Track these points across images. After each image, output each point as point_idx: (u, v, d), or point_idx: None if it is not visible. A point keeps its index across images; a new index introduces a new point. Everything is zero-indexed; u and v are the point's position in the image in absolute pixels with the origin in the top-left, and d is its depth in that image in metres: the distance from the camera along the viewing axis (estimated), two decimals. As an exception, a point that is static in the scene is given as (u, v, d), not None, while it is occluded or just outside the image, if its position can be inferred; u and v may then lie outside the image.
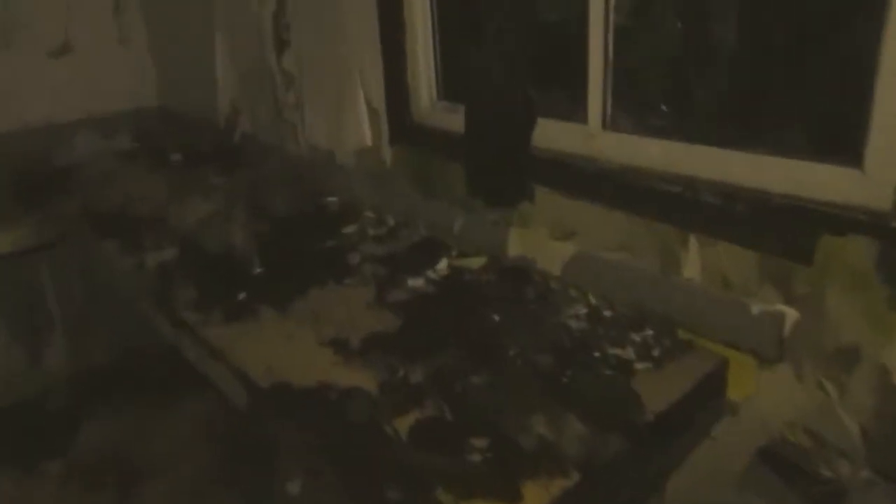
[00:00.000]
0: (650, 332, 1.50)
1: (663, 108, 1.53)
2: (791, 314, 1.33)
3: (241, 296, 1.75)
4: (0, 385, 3.09)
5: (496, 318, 1.60)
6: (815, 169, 1.27)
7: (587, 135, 1.61)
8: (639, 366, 1.40)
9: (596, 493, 1.13)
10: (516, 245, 1.80)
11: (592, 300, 1.63)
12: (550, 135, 1.66)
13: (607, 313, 1.58)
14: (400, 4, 1.91)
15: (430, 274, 1.83)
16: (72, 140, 3.16)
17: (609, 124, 1.58)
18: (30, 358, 3.19)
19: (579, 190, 1.62)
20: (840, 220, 1.23)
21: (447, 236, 1.98)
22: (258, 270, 1.89)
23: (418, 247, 1.99)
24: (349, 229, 2.13)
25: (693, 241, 1.44)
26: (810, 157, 1.27)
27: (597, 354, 1.44)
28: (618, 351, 1.45)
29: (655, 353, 1.43)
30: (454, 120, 1.94)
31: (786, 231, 1.29)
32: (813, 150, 1.28)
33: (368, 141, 2.17)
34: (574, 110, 1.63)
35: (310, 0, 2.22)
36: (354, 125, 2.20)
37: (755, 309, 1.36)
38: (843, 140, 1.23)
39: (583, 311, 1.60)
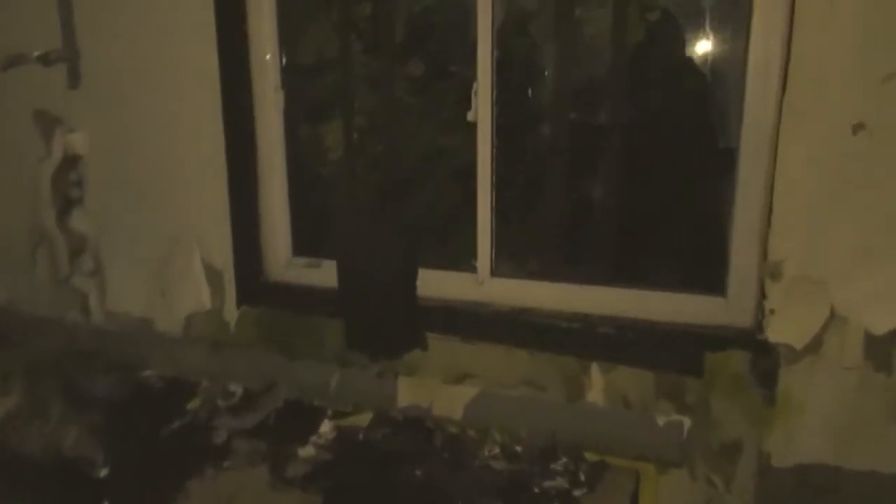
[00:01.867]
0: (564, 460, 1.60)
1: (551, 253, 1.73)
2: (686, 421, 1.56)
3: (105, 506, 1.42)
4: None
5: (418, 473, 1.55)
6: (691, 299, 1.56)
7: (477, 281, 1.73)
8: (576, 493, 1.49)
9: None
10: (407, 395, 1.78)
11: (498, 438, 1.68)
12: (439, 283, 1.74)
13: (518, 449, 1.65)
14: (253, 158, 1.87)
15: (317, 440, 1.71)
16: None
17: (497, 270, 1.72)
18: None
19: (474, 334, 1.70)
20: (717, 338, 1.51)
21: (316, 396, 1.87)
22: (105, 472, 1.55)
23: (286, 413, 1.84)
24: (192, 404, 1.87)
25: (595, 369, 1.62)
26: (687, 291, 1.57)
27: (536, 490, 1.49)
28: (551, 483, 1.52)
29: (582, 478, 1.54)
30: (315, 275, 1.91)
31: (675, 351, 1.54)
32: (688, 284, 1.59)
33: (207, 304, 1.98)
34: (462, 259, 1.74)
35: (121, 156, 2.02)
36: (187, 288, 2.00)
37: (660, 420, 1.57)
38: (711, 275, 1.55)
39: (496, 450, 1.64)
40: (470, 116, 1.64)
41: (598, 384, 1.63)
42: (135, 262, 2.07)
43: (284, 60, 1.86)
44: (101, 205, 2.10)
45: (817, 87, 1.34)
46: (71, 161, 2.11)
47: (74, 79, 2.01)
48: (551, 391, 1.67)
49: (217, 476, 1.55)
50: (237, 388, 1.95)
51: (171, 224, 1.99)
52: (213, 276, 1.97)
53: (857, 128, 1.33)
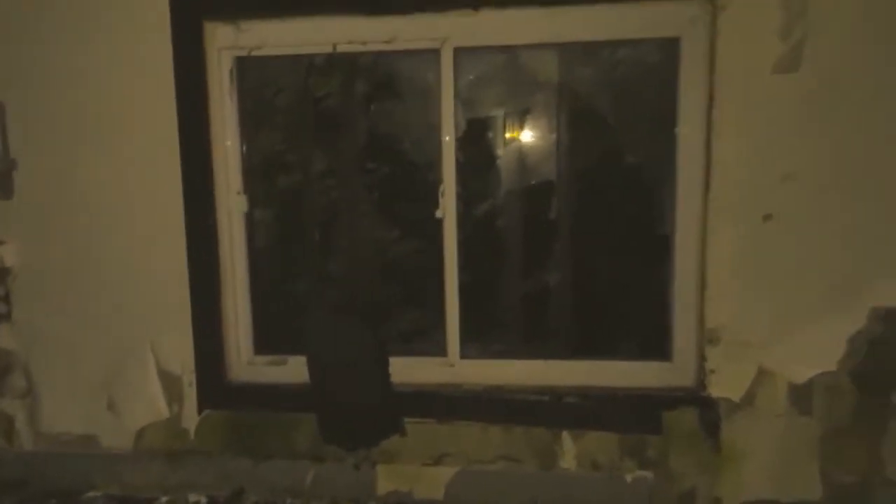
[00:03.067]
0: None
1: (515, 333, 1.89)
2: (649, 476, 1.77)
3: None
4: None
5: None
6: (642, 365, 1.79)
7: (447, 364, 1.85)
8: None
9: None
10: (386, 482, 1.84)
11: (481, 513, 1.78)
12: (411, 369, 1.84)
13: (502, 521, 1.76)
14: (215, 260, 1.88)
15: (303, 541, 1.71)
16: None
17: (466, 353, 1.85)
18: None
19: (448, 414, 1.81)
20: (667, 398, 1.75)
21: (290, 496, 1.87)
22: None
23: (261, 517, 1.82)
24: (157, 522, 1.79)
25: (565, 437, 1.78)
26: (638, 358, 1.80)
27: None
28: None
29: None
30: (280, 372, 1.93)
31: (634, 413, 1.75)
32: (638, 353, 1.81)
33: (164, 413, 1.92)
34: (431, 345, 1.86)
35: (58, 264, 1.94)
36: (139, 398, 1.93)
37: (628, 478, 1.76)
38: (657, 344, 1.79)
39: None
40: (438, 213, 1.80)
41: (569, 451, 1.79)
42: (74, 378, 1.96)
43: (246, 162, 1.90)
44: (32, 319, 1.97)
45: (733, 185, 1.65)
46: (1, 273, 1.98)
47: (6, 190, 1.92)
48: (527, 462, 1.81)
49: None
50: (200, 499, 1.89)
51: (120, 333, 1.92)
52: (171, 382, 1.92)
53: (767, 217, 1.65)
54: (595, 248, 1.83)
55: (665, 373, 1.78)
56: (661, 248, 1.77)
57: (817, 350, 1.67)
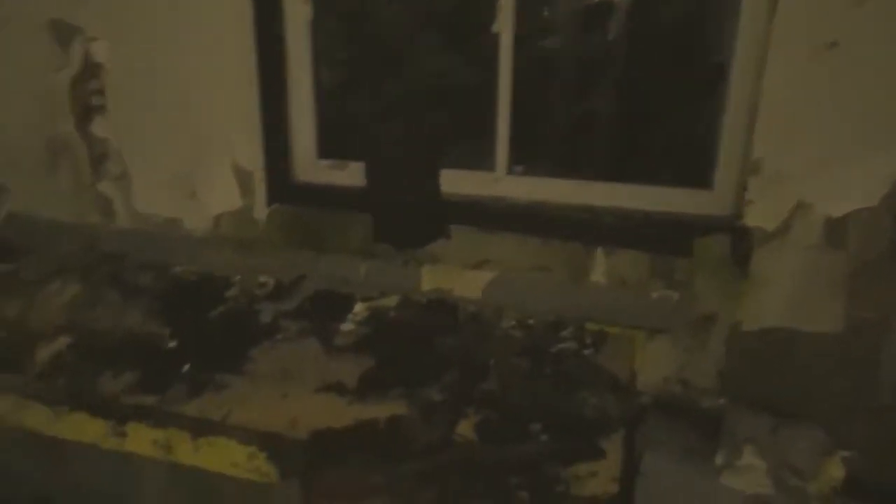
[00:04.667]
0: (571, 329, 1.88)
1: (561, 153, 1.96)
2: (674, 295, 1.86)
3: (185, 369, 1.61)
4: None
5: (449, 340, 1.80)
6: (683, 192, 1.84)
7: (494, 179, 1.95)
8: (586, 352, 1.77)
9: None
10: (430, 281, 2.02)
11: (513, 314, 1.94)
12: (460, 182, 1.96)
13: (531, 321, 1.92)
14: (283, 64, 2.00)
15: (354, 318, 1.93)
16: None
17: (513, 169, 1.95)
18: None
19: (491, 225, 1.94)
20: (703, 225, 1.80)
21: (344, 286, 2.08)
22: (172, 345, 1.73)
23: (319, 299, 2.04)
24: (231, 293, 2.05)
25: (599, 253, 1.88)
26: (679, 185, 1.84)
27: (552, 351, 1.76)
28: (562, 346, 1.80)
29: (588, 342, 1.82)
30: (341, 175, 2.09)
31: (667, 237, 1.82)
32: (680, 180, 1.85)
33: (238, 203, 2.14)
34: (480, 160, 1.96)
35: (145, 61, 2.11)
36: (217, 189, 2.14)
37: (653, 295, 1.86)
38: (700, 172, 1.82)
39: (512, 322, 1.90)
40: (494, 28, 1.83)
41: (600, 267, 1.90)
42: (162, 166, 2.19)
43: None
44: (124, 111, 2.19)
45: (802, 7, 1.59)
46: (92, 69, 2.17)
47: (98, -15, 2.07)
48: (559, 273, 1.93)
49: (274, 346, 1.76)
50: (269, 280, 2.13)
51: (200, 127, 2.11)
52: (244, 176, 2.12)
53: (832, 45, 1.60)
54: (648, 72, 1.83)
55: (703, 200, 1.82)
56: (715, 76, 1.75)
57: (861, 186, 1.66)
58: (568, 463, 1.26)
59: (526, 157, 1.96)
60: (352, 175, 2.05)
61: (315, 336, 1.81)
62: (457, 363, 1.67)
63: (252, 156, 2.09)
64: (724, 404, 1.94)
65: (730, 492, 1.52)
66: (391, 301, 2.01)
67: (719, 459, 1.60)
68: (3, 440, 2.35)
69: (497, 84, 1.87)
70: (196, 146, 2.14)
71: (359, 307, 1.97)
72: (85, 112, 2.23)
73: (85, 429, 1.55)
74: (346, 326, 1.88)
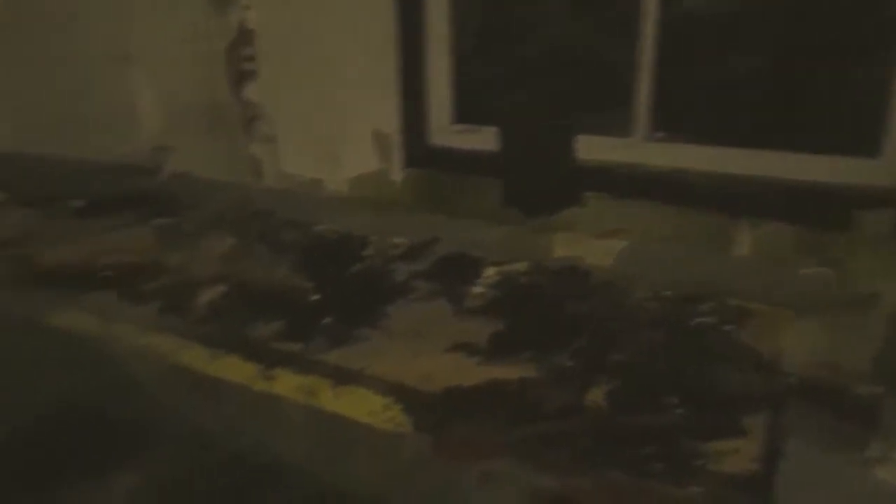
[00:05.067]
0: (710, 304, 1.80)
1: (706, 118, 1.86)
2: (827, 273, 1.73)
3: (327, 321, 1.70)
4: None
5: (580, 308, 1.78)
6: (843, 161, 1.69)
7: (633, 145, 1.89)
8: (727, 328, 1.69)
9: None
10: (561, 248, 2.00)
11: (647, 285, 1.88)
12: (597, 147, 1.91)
13: (666, 293, 1.85)
14: (421, 31, 2.03)
15: (484, 281, 1.95)
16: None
17: (653, 135, 1.87)
18: None
19: (628, 193, 1.88)
20: (866, 197, 1.65)
21: (474, 249, 2.10)
22: (315, 298, 1.83)
23: (449, 261, 2.08)
24: (367, 252, 2.13)
25: (744, 224, 1.78)
26: (839, 153, 1.69)
27: (690, 324, 1.70)
28: (701, 320, 1.72)
29: (730, 317, 1.73)
30: (475, 140, 2.10)
31: (822, 209, 1.69)
32: (840, 147, 1.71)
33: (374, 166, 2.21)
34: (618, 125, 1.90)
35: (293, 29, 2.21)
36: (356, 152, 2.22)
37: (802, 272, 1.74)
38: (865, 139, 1.66)
39: (646, 293, 1.85)
40: (640, -14, 1.76)
41: (745, 239, 1.80)
42: (307, 129, 2.31)
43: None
44: (274, 77, 2.31)
45: None
46: (245, 37, 2.31)
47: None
48: (698, 245, 1.85)
49: (407, 305, 1.82)
50: (403, 242, 2.20)
51: (342, 93, 2.19)
52: (382, 140, 2.19)
53: None
54: (808, 28, 1.68)
55: (867, 170, 1.67)
56: (888, 34, 1.58)
57: None
58: (706, 438, 1.22)
59: (667, 123, 1.88)
60: (485, 140, 2.06)
61: (446, 297, 1.85)
62: (587, 331, 1.65)
63: (390, 120, 2.16)
64: (879, 392, 1.79)
65: (885, 486, 1.41)
66: (521, 266, 2.01)
67: (874, 451, 1.48)
68: (164, 376, 2.61)
69: (639, 45, 1.80)
70: (338, 111, 2.23)
71: (489, 271, 1.99)
72: (239, 77, 2.38)
73: (238, 370, 1.68)
74: (476, 289, 1.90)
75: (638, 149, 1.89)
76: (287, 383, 1.61)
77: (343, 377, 1.52)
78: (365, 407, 1.50)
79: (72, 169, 2.83)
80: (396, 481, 2.37)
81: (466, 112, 2.13)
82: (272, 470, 2.65)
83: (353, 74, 2.17)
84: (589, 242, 1.96)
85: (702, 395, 1.35)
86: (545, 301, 1.81)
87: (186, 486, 2.68)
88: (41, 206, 2.59)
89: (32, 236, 2.28)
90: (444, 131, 2.14)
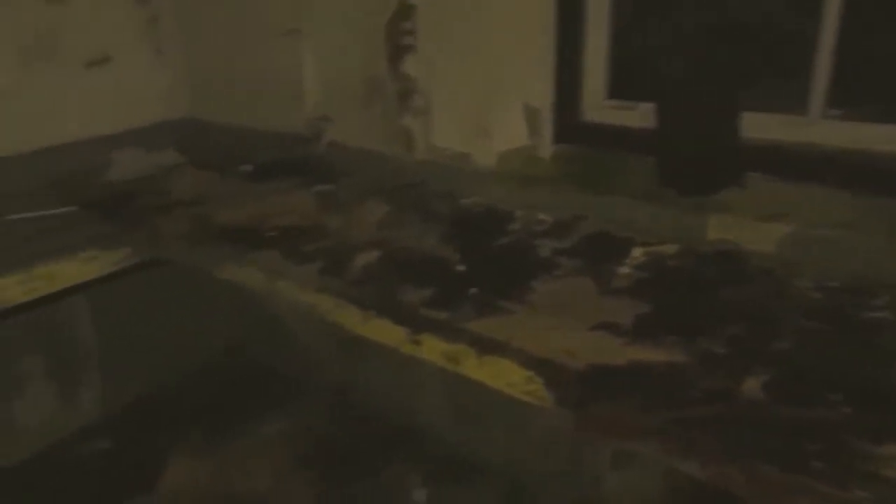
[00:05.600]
0: (886, 298, 1.65)
1: (886, 96, 1.69)
2: None
3: (472, 292, 1.75)
4: (32, 428, 2.83)
5: (735, 294, 1.70)
6: None
7: (806, 123, 1.76)
8: (902, 326, 1.55)
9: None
10: (717, 230, 1.91)
11: (812, 274, 1.76)
12: (765, 125, 1.80)
13: (833, 284, 1.72)
14: (580, 11, 1.99)
15: (631, 262, 1.90)
16: (114, 154, 2.94)
17: (829, 112, 1.73)
18: (65, 397, 2.94)
19: (796, 174, 1.75)
20: None
21: (623, 229, 2.05)
22: (461, 268, 1.88)
23: (595, 239, 2.05)
24: (512, 227, 2.15)
25: (932, 214, 1.61)
26: None
27: (859, 319, 1.57)
28: (874, 314, 1.59)
29: (908, 314, 1.58)
30: (628, 116, 2.04)
31: None
32: None
33: (524, 140, 2.21)
34: (791, 103, 1.77)
35: (453, 2, 2.24)
36: (505, 126, 2.24)
37: None
38: None
39: (810, 284, 1.73)
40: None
41: (933, 229, 1.63)
42: (459, 103, 2.35)
43: None
44: (431, 51, 2.37)
45: None
46: (406, 11, 2.38)
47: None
48: (873, 234, 1.70)
49: (551, 281, 1.82)
50: (548, 218, 2.19)
51: (497, 66, 2.20)
52: (532, 114, 2.18)
53: None
54: None
55: None
56: None
57: None
58: (878, 441, 1.13)
59: (847, 99, 1.72)
60: (640, 116, 2.00)
61: (590, 275, 1.83)
62: (743, 319, 1.58)
63: (542, 94, 2.14)
64: None
65: None
66: (671, 249, 1.94)
67: None
68: (319, 332, 2.79)
69: (820, 12, 1.66)
70: (490, 85, 2.25)
71: (637, 252, 1.95)
72: (397, 51, 2.46)
73: (387, 333, 1.77)
74: (623, 269, 1.87)
75: (812, 127, 1.76)
76: (432, 349, 1.67)
77: (487, 347, 1.55)
78: (507, 378, 1.54)
79: (241, 136, 3.07)
80: (530, 453, 2.41)
81: (621, 87, 2.07)
82: (409, 430, 2.78)
83: (507, 48, 2.17)
84: (748, 226, 1.86)
85: (874, 396, 1.25)
86: (696, 285, 1.74)
87: (328, 436, 2.88)
88: (214, 169, 2.83)
89: (207, 197, 2.50)
90: (598, 107, 2.09)
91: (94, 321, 2.94)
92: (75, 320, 2.90)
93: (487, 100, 2.27)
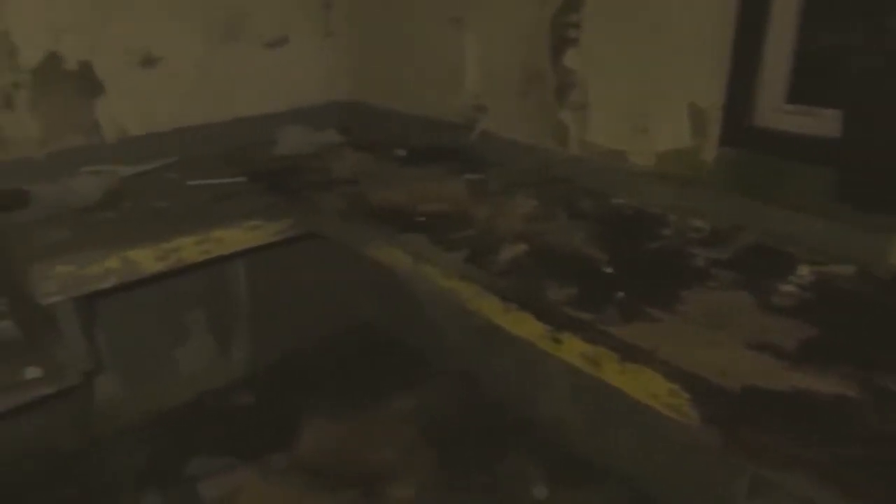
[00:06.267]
0: None
1: None
2: None
3: (619, 295, 1.70)
4: (191, 376, 3.09)
5: (919, 330, 1.53)
6: None
7: None
8: None
9: None
10: (901, 255, 1.73)
11: None
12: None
13: None
14: (766, 5, 1.86)
15: (796, 280, 1.77)
16: (280, 131, 3.13)
17: None
18: (219, 351, 3.19)
19: None
20: None
21: (788, 244, 1.91)
22: (608, 269, 1.83)
23: (756, 252, 1.92)
24: (666, 231, 2.06)
25: None
26: None
27: None
28: None
29: None
30: (808, 123, 1.89)
31: None
32: None
33: (685, 142, 2.11)
34: None
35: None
36: (666, 125, 2.14)
37: None
38: None
39: None
40: None
41: None
42: (619, 99, 2.28)
43: None
44: (595, 44, 2.31)
45: None
46: (573, 4, 2.34)
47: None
48: None
49: (705, 293, 1.73)
50: (704, 225, 2.08)
51: (664, 62, 2.11)
52: (697, 114, 2.08)
53: None
54: None
55: None
56: None
57: None
58: None
59: None
60: (822, 124, 1.84)
61: (749, 290, 1.72)
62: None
63: (711, 94, 2.03)
64: None
65: None
66: (846, 270, 1.78)
67: None
68: (457, 318, 2.84)
69: None
70: (655, 81, 2.16)
71: (803, 269, 1.80)
72: (560, 44, 2.42)
73: (527, 327, 1.76)
74: (786, 287, 1.74)
75: None
76: (573, 348, 1.64)
77: (630, 353, 1.51)
78: (649, 388, 1.48)
79: (398, 120, 3.17)
80: (661, 466, 2.32)
81: (803, 90, 1.91)
82: (534, 424, 2.77)
83: (677, 43, 2.07)
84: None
85: None
86: (874, 313, 1.59)
87: (453, 419, 2.93)
88: (371, 151, 2.95)
89: (363, 177, 2.61)
90: (774, 111, 1.95)
91: (249, 285, 3.17)
92: (233, 282, 3.14)
93: (649, 97, 2.18)
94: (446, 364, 3.13)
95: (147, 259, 2.05)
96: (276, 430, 2.76)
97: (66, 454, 2.68)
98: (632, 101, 2.24)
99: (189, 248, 2.12)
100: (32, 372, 1.92)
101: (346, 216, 2.31)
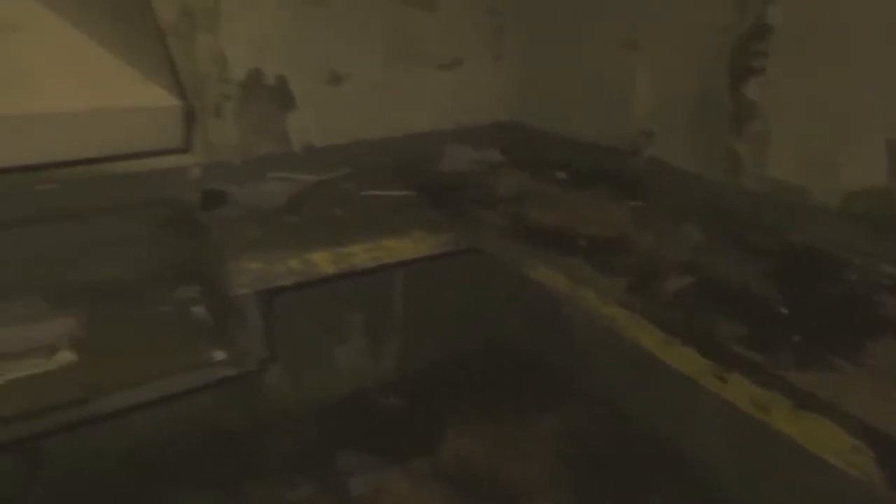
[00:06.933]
0: None
1: None
2: None
3: (795, 339, 1.60)
4: (346, 374, 3.25)
5: None
6: None
7: None
8: None
9: None
10: None
11: None
12: None
13: None
14: None
15: None
16: (446, 148, 3.25)
17: None
18: (372, 353, 3.34)
19: None
20: None
21: None
22: (783, 310, 1.73)
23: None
24: (850, 275, 1.92)
25: None
26: None
27: None
28: None
29: None
30: None
31: None
32: None
33: (881, 181, 1.96)
34: None
35: (815, 25, 2.06)
36: (858, 161, 2.00)
37: None
38: None
39: None
40: None
41: None
42: (803, 132, 2.16)
43: None
44: (780, 74, 2.20)
45: None
46: (761, 31, 2.24)
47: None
48: None
49: (891, 343, 1.59)
50: (894, 271, 1.92)
51: (853, 94, 1.98)
52: (894, 152, 1.92)
53: None
54: None
55: None
56: None
57: None
58: None
59: None
60: None
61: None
62: None
63: (915, 130, 1.87)
64: None
65: None
66: None
67: None
68: (611, 345, 2.80)
69: None
70: (846, 115, 2.02)
71: None
72: (741, 73, 2.33)
73: (689, 362, 1.71)
74: None
75: None
76: (739, 389, 1.58)
77: (806, 402, 1.42)
78: (828, 442, 1.39)
79: (561, 143, 3.19)
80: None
81: None
82: (683, 461, 2.66)
83: (873, 73, 1.93)
84: None
85: None
86: None
87: (596, 444, 2.88)
88: (532, 171, 2.99)
89: (525, 197, 2.65)
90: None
91: (406, 293, 3.32)
92: (392, 289, 3.30)
93: (839, 131, 2.05)
94: (592, 390, 3.09)
95: (324, 261, 2.21)
96: (420, 436, 2.86)
97: (229, 433, 2.92)
98: (820, 135, 2.11)
99: (361, 254, 2.26)
100: (219, 355, 2.13)
101: (507, 234, 2.36)
